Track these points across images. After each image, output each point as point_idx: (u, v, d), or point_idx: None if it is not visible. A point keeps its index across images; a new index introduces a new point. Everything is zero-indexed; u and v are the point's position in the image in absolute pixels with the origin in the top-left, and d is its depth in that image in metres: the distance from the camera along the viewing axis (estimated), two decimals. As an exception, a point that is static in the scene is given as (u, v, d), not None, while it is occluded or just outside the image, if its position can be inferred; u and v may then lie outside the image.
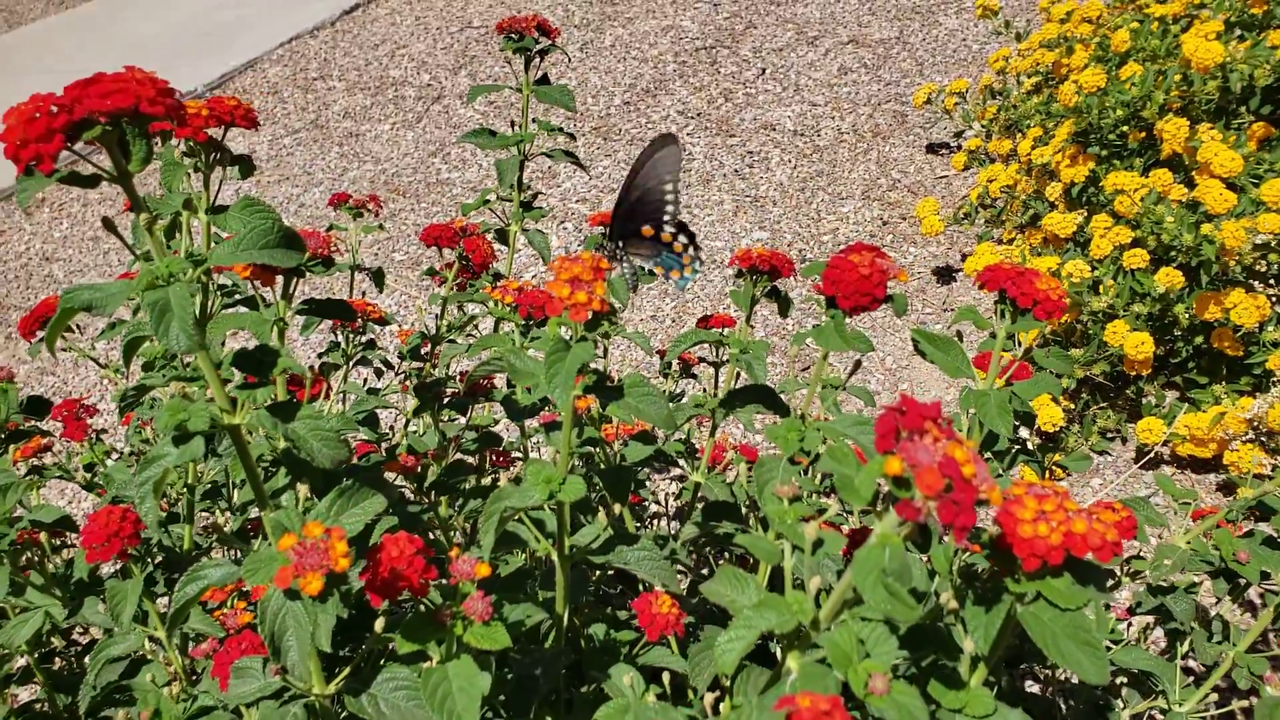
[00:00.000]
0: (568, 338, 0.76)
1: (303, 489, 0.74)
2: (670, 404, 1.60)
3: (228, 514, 1.26)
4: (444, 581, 0.80)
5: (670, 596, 0.88)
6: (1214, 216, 2.03)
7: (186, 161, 0.96)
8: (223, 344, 1.19)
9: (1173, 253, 2.14)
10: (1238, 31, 2.41)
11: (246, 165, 0.99)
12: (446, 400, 1.21)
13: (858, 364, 0.99)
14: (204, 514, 1.37)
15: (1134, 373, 2.12)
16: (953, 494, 0.55)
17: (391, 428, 1.47)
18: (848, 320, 0.89)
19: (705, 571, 1.66)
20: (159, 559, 0.97)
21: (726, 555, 1.53)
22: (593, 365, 1.01)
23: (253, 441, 0.83)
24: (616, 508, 1.00)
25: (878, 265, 0.84)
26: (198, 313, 0.94)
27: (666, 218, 1.26)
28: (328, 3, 5.44)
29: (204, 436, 0.67)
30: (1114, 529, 0.67)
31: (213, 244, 1.01)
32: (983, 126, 3.25)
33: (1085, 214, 2.36)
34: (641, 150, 1.24)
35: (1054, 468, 1.31)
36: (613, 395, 0.76)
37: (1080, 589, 0.68)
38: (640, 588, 1.21)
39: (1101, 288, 2.17)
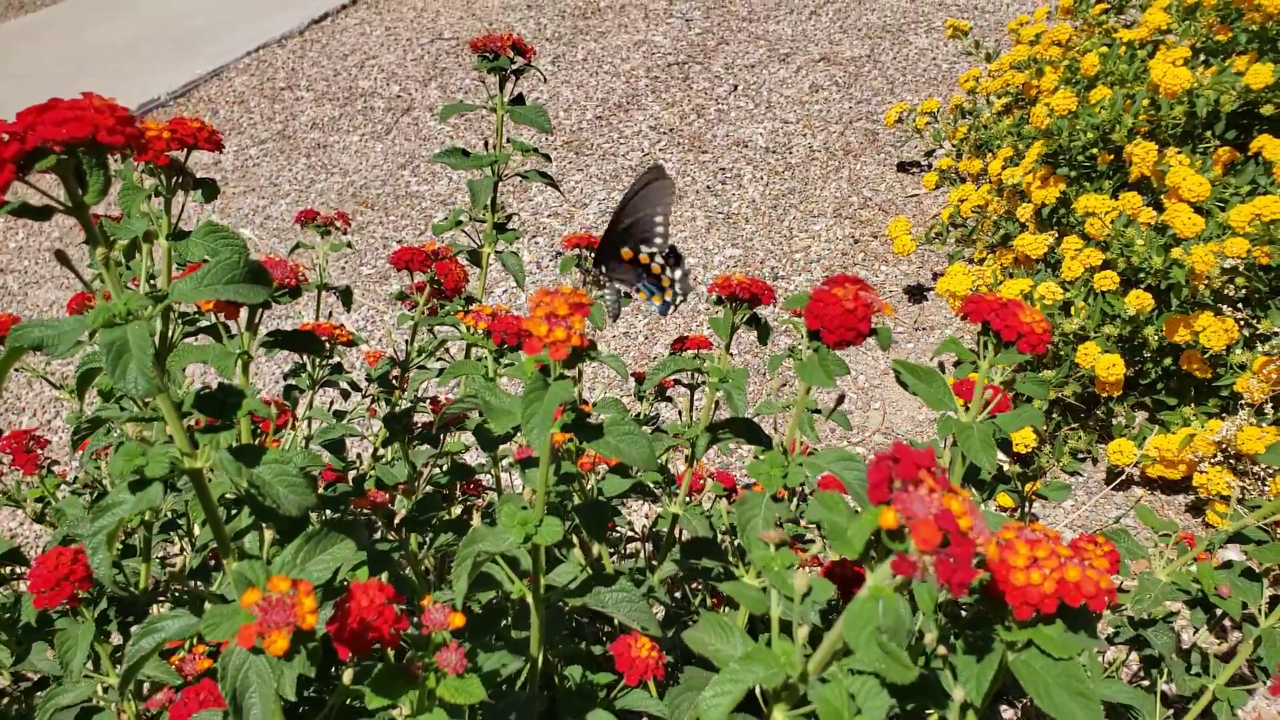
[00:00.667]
0: (545, 372, 0.73)
1: (268, 534, 0.70)
2: (647, 429, 1.58)
3: (187, 544, 1.22)
4: (415, 621, 0.77)
5: (650, 639, 0.85)
6: (1182, 240, 2.04)
7: (147, 184, 0.93)
8: (184, 371, 1.15)
9: (1141, 274, 2.14)
10: (1202, 57, 2.43)
11: (210, 189, 0.96)
12: (417, 432, 1.18)
13: (841, 398, 0.97)
14: (163, 541, 1.33)
15: (1105, 394, 2.12)
16: (950, 548, 0.53)
17: (359, 456, 1.43)
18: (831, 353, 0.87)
19: (679, 595, 1.64)
20: (112, 594, 0.93)
21: (700, 582, 1.51)
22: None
23: (214, 479, 0.79)
24: (595, 549, 0.98)
25: (862, 299, 0.82)
26: (158, 346, 0.91)
27: (656, 246, 1.24)
28: (296, 11, 5.39)
29: (162, 481, 0.63)
30: (1106, 575, 0.66)
31: (175, 270, 0.98)
32: (953, 146, 3.26)
33: (1056, 235, 2.37)
34: (634, 181, 1.23)
35: (1033, 496, 1.29)
36: (593, 434, 0.74)
37: (1073, 637, 0.66)
38: (616, 624, 1.18)
39: (1073, 309, 2.17)
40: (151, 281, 1.12)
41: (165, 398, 0.65)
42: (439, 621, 0.70)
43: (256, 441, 0.93)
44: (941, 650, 0.73)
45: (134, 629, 0.90)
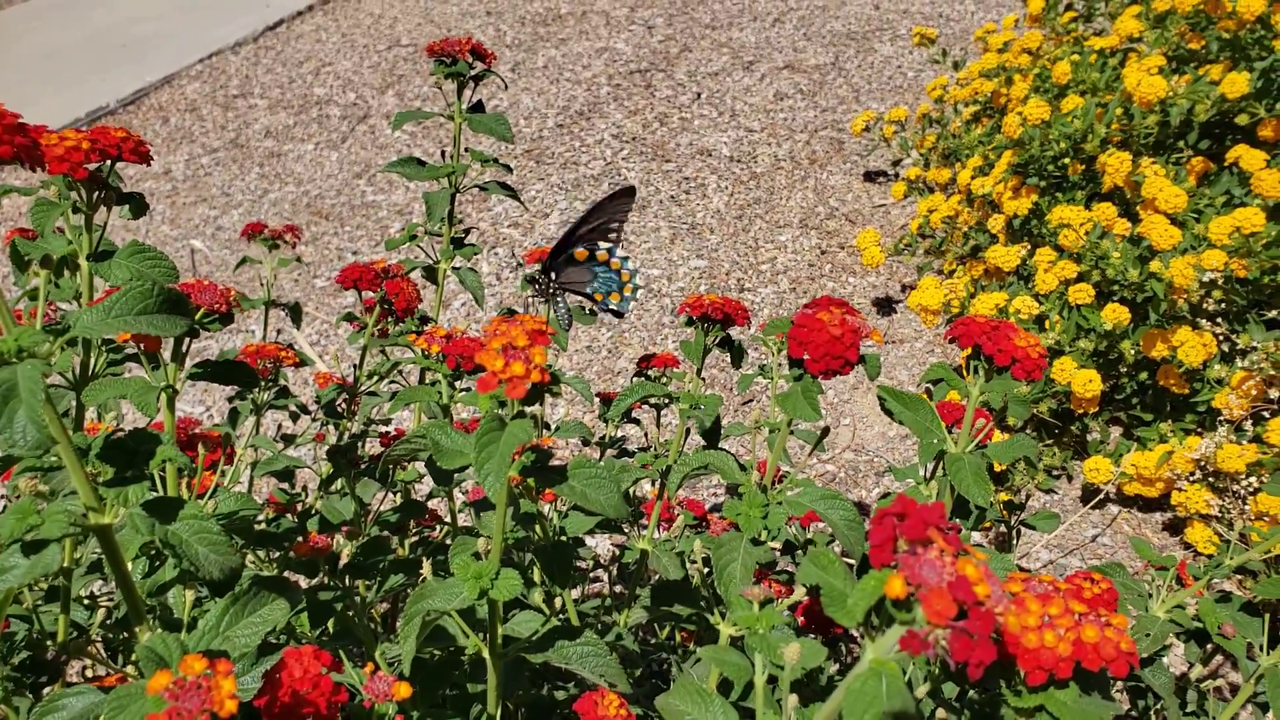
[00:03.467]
0: (502, 410, 0.66)
1: (189, 594, 0.62)
2: (613, 452, 1.51)
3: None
4: (358, 691, 0.69)
5: (619, 696, 0.78)
6: (1158, 252, 2.00)
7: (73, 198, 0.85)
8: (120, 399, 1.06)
9: (1115, 287, 2.10)
10: (1173, 65, 2.40)
11: (138, 205, 0.88)
12: (364, 466, 1.10)
13: (825, 431, 0.91)
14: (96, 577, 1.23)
15: (1081, 410, 2.08)
16: (967, 622, 0.46)
17: (305, 488, 1.35)
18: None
19: (644, 624, 1.56)
20: (25, 655, 0.84)
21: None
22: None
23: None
24: (559, 602, 0.90)
25: (849, 325, 0.75)
26: (77, 377, 0.82)
27: (607, 245, 1.18)
28: (251, 17, 5.27)
29: (63, 541, 0.55)
30: (1126, 636, 0.60)
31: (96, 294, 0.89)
32: (921, 155, 3.22)
33: (1028, 247, 2.33)
34: (601, 197, 1.17)
35: (1019, 527, 1.24)
36: (556, 478, 0.66)
37: (1090, 703, 0.60)
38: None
39: (1047, 323, 2.13)
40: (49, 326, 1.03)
41: (68, 445, 0.56)
42: (382, 692, 0.63)
43: (188, 483, 0.84)
44: (941, 715, 0.67)
45: (47, 690, 0.81)
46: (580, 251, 1.22)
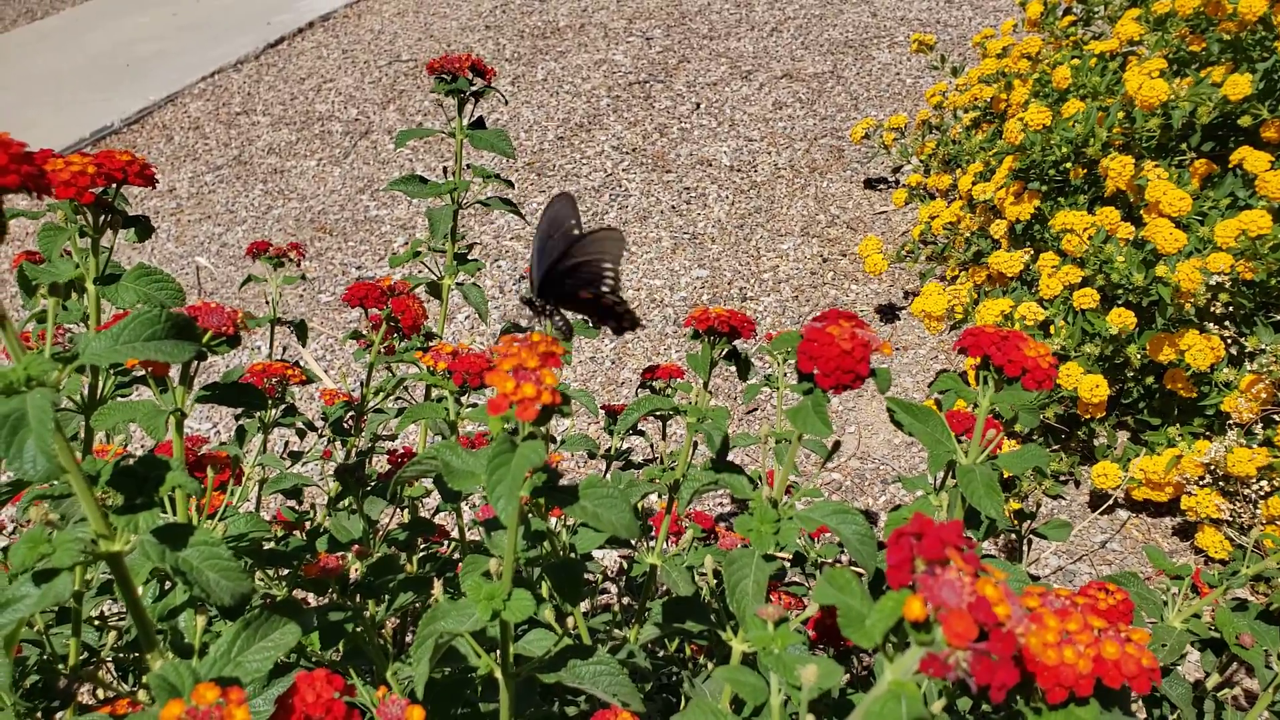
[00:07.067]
0: (512, 430, 0.66)
1: (200, 620, 0.62)
2: (618, 465, 1.50)
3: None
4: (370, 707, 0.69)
5: (632, 715, 0.77)
6: (1163, 255, 1.99)
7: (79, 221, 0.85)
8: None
9: (1120, 291, 2.10)
10: (1174, 68, 2.40)
11: (144, 227, 0.88)
12: (372, 485, 1.09)
13: (837, 445, 0.90)
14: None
15: (1087, 415, 2.07)
16: (988, 644, 0.46)
17: (313, 506, 1.35)
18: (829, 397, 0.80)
19: (655, 639, 1.56)
20: (36, 679, 0.84)
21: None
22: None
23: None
24: (570, 621, 0.90)
25: (859, 338, 0.75)
26: (86, 401, 0.82)
27: (606, 288, 1.13)
28: (252, 36, 5.29)
29: (75, 569, 0.55)
30: (1148, 652, 0.59)
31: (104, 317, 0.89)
32: (921, 162, 3.22)
33: (1031, 252, 2.32)
34: (589, 227, 1.10)
35: (1031, 536, 1.23)
36: (567, 499, 0.66)
37: (1111, 719, 0.59)
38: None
39: (1052, 329, 2.12)
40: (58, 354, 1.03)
41: (77, 473, 0.56)
42: (395, 716, 0.62)
43: (197, 504, 0.84)
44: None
45: (59, 716, 0.81)
46: (585, 294, 1.17)
